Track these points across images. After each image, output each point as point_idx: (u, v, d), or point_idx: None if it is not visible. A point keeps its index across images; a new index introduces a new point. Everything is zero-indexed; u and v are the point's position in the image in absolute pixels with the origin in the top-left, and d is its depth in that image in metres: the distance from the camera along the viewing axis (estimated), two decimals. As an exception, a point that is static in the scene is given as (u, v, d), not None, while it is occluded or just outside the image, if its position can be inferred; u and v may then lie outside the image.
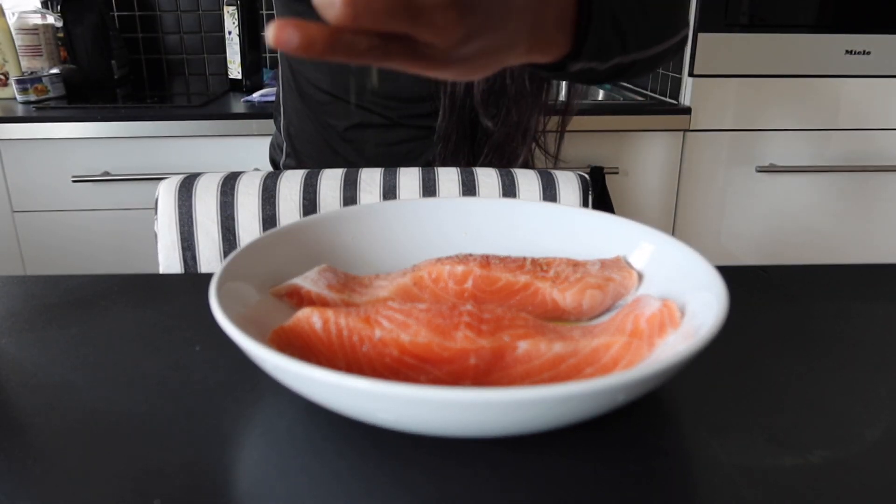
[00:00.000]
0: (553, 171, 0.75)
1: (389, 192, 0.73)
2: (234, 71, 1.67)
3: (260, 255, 0.44)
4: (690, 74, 1.47)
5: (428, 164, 0.83)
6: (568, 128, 0.85)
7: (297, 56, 0.28)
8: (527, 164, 0.82)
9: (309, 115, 0.84)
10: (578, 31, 0.45)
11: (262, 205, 0.70)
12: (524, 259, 0.46)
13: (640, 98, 1.61)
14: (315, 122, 0.84)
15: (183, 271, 0.70)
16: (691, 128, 1.49)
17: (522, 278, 0.44)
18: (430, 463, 0.32)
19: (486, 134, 0.80)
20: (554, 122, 0.83)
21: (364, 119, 0.82)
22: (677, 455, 0.33)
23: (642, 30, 0.52)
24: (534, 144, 0.82)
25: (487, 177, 0.74)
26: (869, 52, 1.46)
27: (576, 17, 0.45)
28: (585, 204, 0.74)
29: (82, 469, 0.32)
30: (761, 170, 1.52)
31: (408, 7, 0.29)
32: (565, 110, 0.83)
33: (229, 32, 1.63)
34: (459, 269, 0.44)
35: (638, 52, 0.53)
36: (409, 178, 0.73)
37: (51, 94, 1.54)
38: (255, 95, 1.56)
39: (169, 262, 0.70)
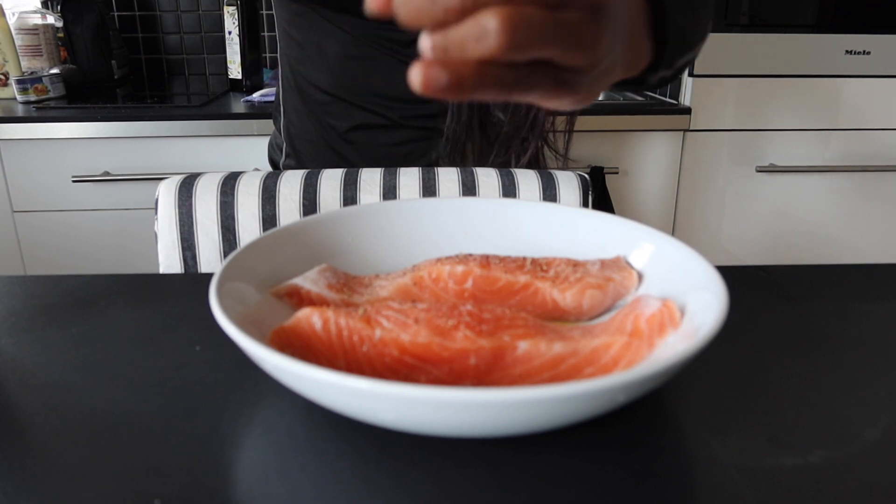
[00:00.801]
0: (553, 171, 0.75)
1: (389, 192, 0.73)
2: (234, 71, 1.67)
3: (260, 255, 0.44)
4: (690, 74, 1.47)
5: (430, 164, 0.83)
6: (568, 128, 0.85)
7: (442, 97, 0.26)
8: (538, 163, 0.82)
9: (309, 115, 0.84)
10: (658, 38, 0.43)
11: (262, 205, 0.70)
12: (524, 259, 0.46)
13: (640, 98, 1.61)
14: (316, 122, 0.84)
15: (183, 271, 0.70)
16: (691, 128, 1.49)
17: (522, 278, 0.44)
18: (431, 463, 0.32)
19: (495, 132, 0.80)
20: (561, 121, 0.83)
21: (366, 120, 0.82)
22: (677, 455, 0.33)
23: (696, 29, 0.52)
24: (543, 144, 0.82)
25: (487, 177, 0.74)
26: (869, 52, 1.46)
27: (650, 24, 0.43)
28: (585, 204, 0.74)
29: (82, 469, 0.32)
30: (761, 170, 1.52)
31: (560, 25, 0.27)
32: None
33: (229, 32, 1.63)
34: (459, 269, 0.44)
35: (692, 51, 0.52)
36: (409, 178, 0.73)
37: (51, 94, 1.54)
38: (255, 95, 1.56)
39: (169, 262, 0.70)
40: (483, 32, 0.25)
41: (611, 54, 0.32)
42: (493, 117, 0.78)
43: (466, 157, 0.80)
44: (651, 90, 0.54)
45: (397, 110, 0.81)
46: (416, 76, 0.26)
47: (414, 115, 0.81)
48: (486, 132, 0.80)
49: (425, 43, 0.27)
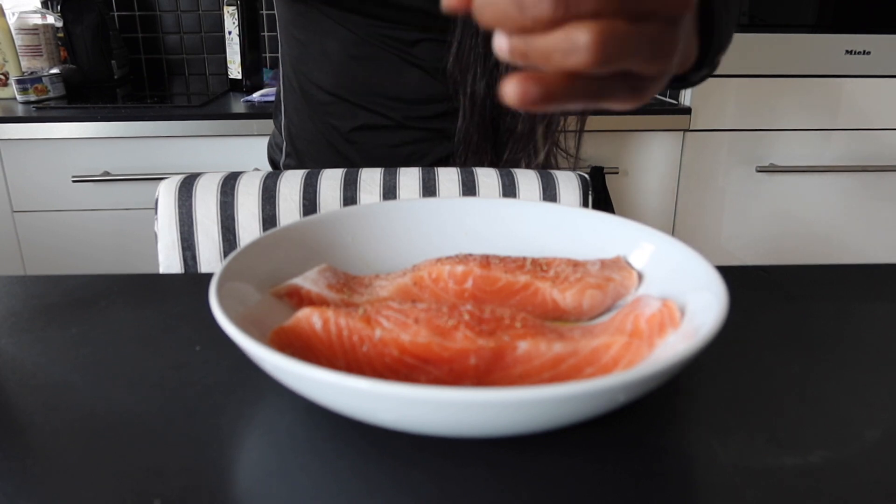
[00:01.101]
0: (553, 171, 0.75)
1: (389, 192, 0.73)
2: (234, 71, 1.67)
3: (260, 255, 0.44)
4: (690, 74, 1.46)
5: (432, 165, 0.82)
6: (579, 128, 0.85)
7: (530, 110, 0.27)
8: (550, 164, 0.82)
9: (311, 115, 0.84)
10: (704, 34, 0.44)
11: (262, 205, 0.70)
12: (524, 259, 0.46)
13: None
14: (317, 122, 0.84)
15: (183, 271, 0.70)
16: (691, 128, 1.49)
17: (522, 278, 0.44)
18: (431, 463, 0.32)
19: (508, 131, 0.80)
20: (572, 121, 0.83)
21: (368, 120, 0.82)
22: (677, 455, 0.33)
23: (732, 26, 0.52)
24: (554, 144, 0.82)
25: (487, 177, 0.74)
26: (869, 52, 1.46)
27: (697, 20, 0.43)
28: (585, 204, 0.74)
29: (82, 469, 0.32)
30: (761, 170, 1.52)
31: (643, 37, 0.27)
32: (583, 109, 0.83)
33: (229, 32, 1.63)
34: (459, 269, 0.44)
35: (727, 47, 0.53)
36: (409, 178, 0.73)
37: (51, 94, 1.54)
38: (255, 95, 1.56)
39: (169, 262, 0.70)
40: (574, 47, 0.26)
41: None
42: (506, 117, 0.78)
43: (478, 157, 0.80)
44: (691, 86, 0.56)
45: (400, 111, 0.81)
46: (511, 90, 0.26)
47: (417, 115, 0.81)
48: (498, 132, 0.80)
49: (502, 43, 0.28)
